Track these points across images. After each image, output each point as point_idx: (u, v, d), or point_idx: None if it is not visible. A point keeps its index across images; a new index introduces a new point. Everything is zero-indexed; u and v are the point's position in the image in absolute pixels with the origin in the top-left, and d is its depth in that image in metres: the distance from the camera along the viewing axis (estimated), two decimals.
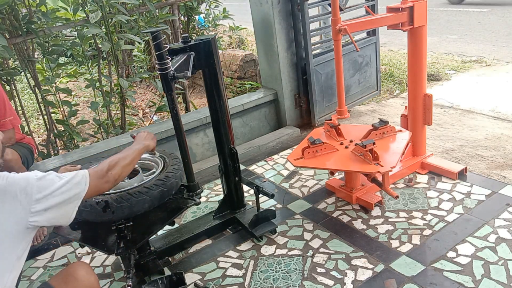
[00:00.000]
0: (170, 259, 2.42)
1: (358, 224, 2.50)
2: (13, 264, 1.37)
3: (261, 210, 2.50)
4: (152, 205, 1.97)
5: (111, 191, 1.91)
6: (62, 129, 3.68)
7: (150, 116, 4.90)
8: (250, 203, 2.75)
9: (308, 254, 2.31)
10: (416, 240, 2.29)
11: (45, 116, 3.57)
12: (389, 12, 2.57)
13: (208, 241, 2.55)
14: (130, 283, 1.84)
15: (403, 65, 5.47)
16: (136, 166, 2.18)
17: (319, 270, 2.18)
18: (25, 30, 3.18)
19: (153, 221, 2.11)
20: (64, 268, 1.61)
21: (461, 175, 2.82)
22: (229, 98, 4.07)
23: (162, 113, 4.74)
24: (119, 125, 3.92)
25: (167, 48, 2.03)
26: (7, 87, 3.28)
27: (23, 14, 3.25)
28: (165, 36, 4.15)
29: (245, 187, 2.66)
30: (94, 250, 2.58)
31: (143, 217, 2.07)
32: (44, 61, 3.71)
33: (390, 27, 2.62)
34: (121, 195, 1.88)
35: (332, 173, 2.92)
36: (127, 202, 1.88)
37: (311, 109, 3.90)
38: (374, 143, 2.38)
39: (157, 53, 1.94)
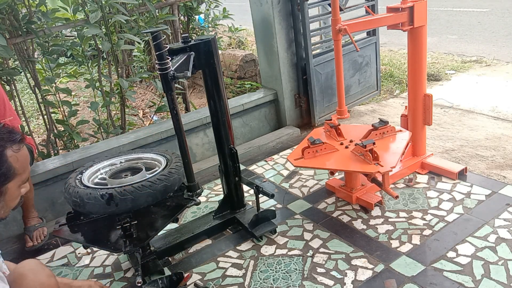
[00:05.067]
0: (170, 259, 2.42)
1: (358, 224, 2.50)
2: None
3: (261, 210, 2.50)
4: (155, 199, 2.01)
5: (115, 185, 1.98)
6: (62, 129, 3.68)
7: (150, 116, 4.90)
8: (250, 203, 2.75)
9: (308, 254, 2.31)
10: (416, 240, 2.29)
11: (45, 116, 3.57)
12: (389, 12, 2.57)
13: (208, 241, 2.55)
14: (140, 280, 1.84)
15: (403, 65, 5.47)
16: (139, 164, 2.20)
17: (319, 270, 2.18)
18: (25, 30, 3.18)
19: (157, 219, 2.15)
20: (15, 266, 1.54)
21: (461, 175, 2.82)
22: (229, 98, 4.07)
23: (162, 113, 4.73)
24: (119, 125, 3.92)
25: (167, 48, 2.03)
26: (7, 87, 3.27)
27: (23, 14, 3.25)
28: (165, 36, 4.15)
29: (245, 187, 2.66)
30: (95, 250, 2.58)
31: (147, 215, 2.09)
32: (44, 61, 3.71)
33: (390, 27, 2.62)
34: (125, 188, 1.93)
35: (332, 173, 2.92)
36: (131, 195, 1.93)
37: (311, 109, 3.90)
38: (374, 143, 2.38)
39: (157, 53, 1.94)
